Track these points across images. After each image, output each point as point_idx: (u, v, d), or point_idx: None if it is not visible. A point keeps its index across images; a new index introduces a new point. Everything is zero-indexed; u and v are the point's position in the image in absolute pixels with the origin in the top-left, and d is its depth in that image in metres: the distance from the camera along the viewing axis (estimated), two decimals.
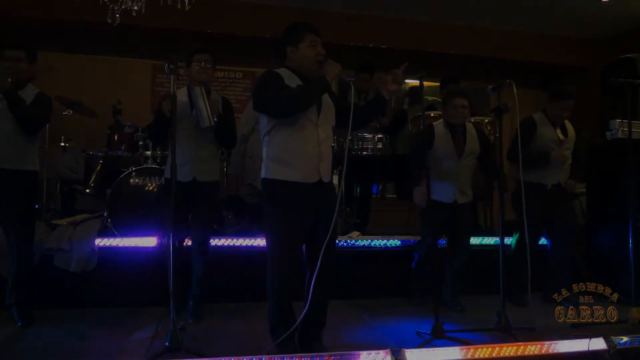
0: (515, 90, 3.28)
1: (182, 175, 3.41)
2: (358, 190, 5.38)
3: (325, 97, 2.92)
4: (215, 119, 3.42)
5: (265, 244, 2.93)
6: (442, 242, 4.16)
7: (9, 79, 3.22)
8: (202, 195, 3.54)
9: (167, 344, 2.77)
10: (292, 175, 2.78)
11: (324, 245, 2.73)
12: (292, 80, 2.82)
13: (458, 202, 3.94)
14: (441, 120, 4.07)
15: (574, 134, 4.20)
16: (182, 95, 3.49)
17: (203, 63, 3.52)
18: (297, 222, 2.79)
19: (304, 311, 2.74)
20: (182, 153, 3.32)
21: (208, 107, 3.38)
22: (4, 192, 3.32)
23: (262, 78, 2.86)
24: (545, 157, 4.00)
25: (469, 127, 4.04)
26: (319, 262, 2.73)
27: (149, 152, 4.54)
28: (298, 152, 2.78)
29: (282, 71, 2.87)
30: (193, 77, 3.55)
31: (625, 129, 3.90)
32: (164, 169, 3.95)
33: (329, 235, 2.77)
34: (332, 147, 3.02)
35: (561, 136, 4.11)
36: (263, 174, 2.88)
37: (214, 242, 4.05)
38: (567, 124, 4.20)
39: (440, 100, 5.76)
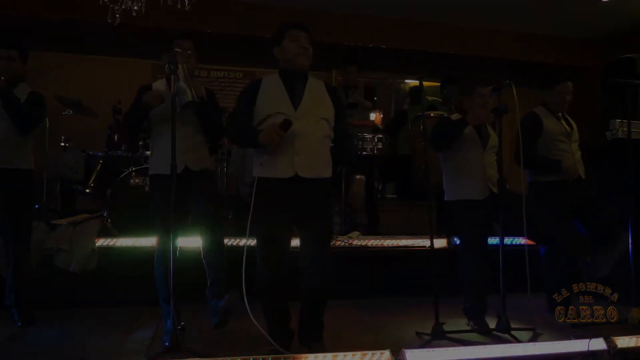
0: (514, 91, 3.27)
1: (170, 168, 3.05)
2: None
3: (315, 88, 2.88)
4: (199, 98, 3.13)
5: None
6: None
7: (2, 78, 3.23)
8: (199, 187, 3.25)
9: (167, 344, 2.77)
10: (266, 172, 2.79)
11: (315, 244, 2.77)
12: (273, 87, 2.84)
13: (494, 194, 3.49)
14: (456, 114, 3.76)
15: (576, 126, 4.06)
16: (161, 84, 3.31)
17: (184, 50, 3.25)
18: (276, 219, 2.76)
19: (300, 312, 2.75)
20: (166, 144, 3.00)
21: (191, 84, 3.08)
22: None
23: (239, 96, 2.96)
24: (557, 167, 3.81)
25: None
26: (310, 261, 2.77)
27: (149, 152, 4.54)
28: (270, 148, 2.75)
29: (269, 79, 2.89)
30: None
31: (625, 129, 3.89)
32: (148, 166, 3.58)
33: (317, 233, 2.80)
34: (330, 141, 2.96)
35: (567, 127, 3.97)
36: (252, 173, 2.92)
37: None
38: (567, 116, 4.08)
39: (440, 100, 5.79)
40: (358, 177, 2.99)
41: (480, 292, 3.49)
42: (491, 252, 3.55)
